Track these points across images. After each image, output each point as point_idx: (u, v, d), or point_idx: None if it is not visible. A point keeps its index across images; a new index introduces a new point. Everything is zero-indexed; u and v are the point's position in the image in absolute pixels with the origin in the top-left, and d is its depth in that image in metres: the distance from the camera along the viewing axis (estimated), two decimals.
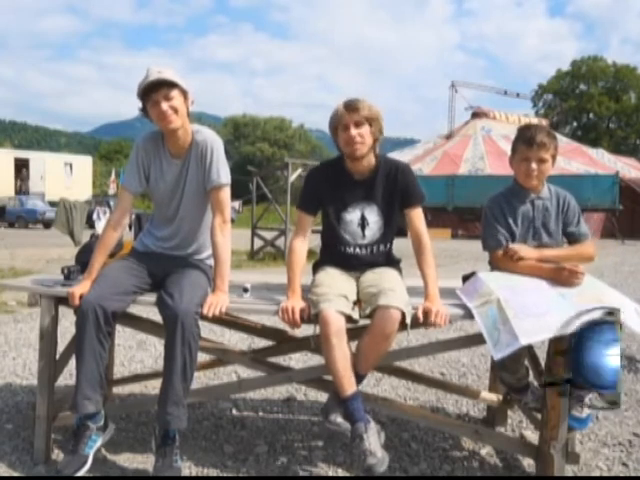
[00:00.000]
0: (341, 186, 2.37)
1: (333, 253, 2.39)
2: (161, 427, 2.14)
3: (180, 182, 2.37)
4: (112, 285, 2.17)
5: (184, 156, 2.34)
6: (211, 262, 2.42)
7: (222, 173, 2.33)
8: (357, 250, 2.38)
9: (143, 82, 2.19)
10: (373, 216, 2.36)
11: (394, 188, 2.34)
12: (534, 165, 2.33)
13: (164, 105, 2.18)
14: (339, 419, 2.06)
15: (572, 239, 2.43)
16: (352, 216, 2.36)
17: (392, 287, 2.13)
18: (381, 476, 2.26)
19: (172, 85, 2.20)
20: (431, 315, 2.08)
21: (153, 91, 2.18)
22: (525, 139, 2.34)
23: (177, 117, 2.21)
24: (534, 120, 34.92)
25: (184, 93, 2.26)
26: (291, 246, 2.37)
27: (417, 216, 2.37)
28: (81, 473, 2.08)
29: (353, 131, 2.23)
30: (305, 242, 2.37)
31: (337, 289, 2.16)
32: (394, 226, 2.41)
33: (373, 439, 2.01)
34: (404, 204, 2.36)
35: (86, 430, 2.13)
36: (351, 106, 2.24)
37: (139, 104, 2.27)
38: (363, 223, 2.36)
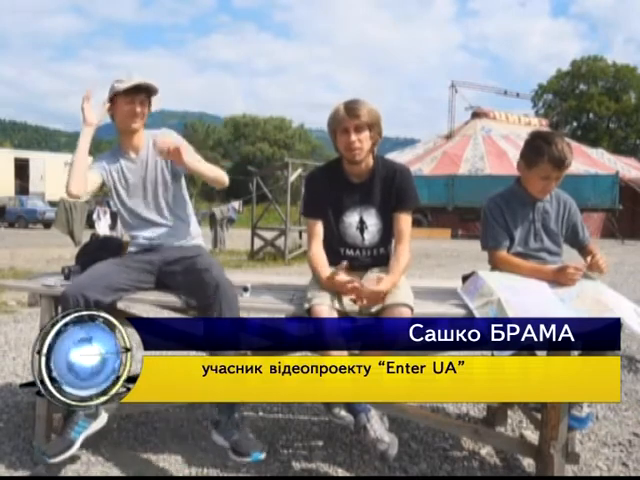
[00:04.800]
0: (339, 189, 2.36)
1: (333, 255, 2.36)
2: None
3: (149, 175, 2.45)
4: (96, 277, 2.23)
5: (145, 153, 2.46)
6: (201, 242, 2.56)
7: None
8: (357, 252, 2.38)
9: (127, 81, 2.31)
10: (372, 219, 2.35)
11: (391, 190, 2.33)
12: (554, 184, 2.32)
13: (137, 108, 2.35)
14: (343, 412, 2.06)
15: (579, 245, 2.42)
16: (350, 219, 2.35)
17: (398, 285, 2.17)
18: (381, 476, 2.27)
19: (151, 92, 2.38)
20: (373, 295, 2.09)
21: (134, 92, 2.32)
22: (554, 160, 2.22)
23: (142, 121, 2.40)
24: (534, 120, 34.91)
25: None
26: (309, 254, 2.35)
27: (405, 220, 2.33)
28: (65, 456, 2.09)
29: (353, 137, 2.22)
30: (321, 247, 2.34)
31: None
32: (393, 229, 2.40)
33: (377, 426, 2.01)
34: (396, 206, 2.33)
35: (74, 414, 2.14)
36: (352, 111, 2.21)
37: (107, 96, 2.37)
38: (362, 226, 2.35)
